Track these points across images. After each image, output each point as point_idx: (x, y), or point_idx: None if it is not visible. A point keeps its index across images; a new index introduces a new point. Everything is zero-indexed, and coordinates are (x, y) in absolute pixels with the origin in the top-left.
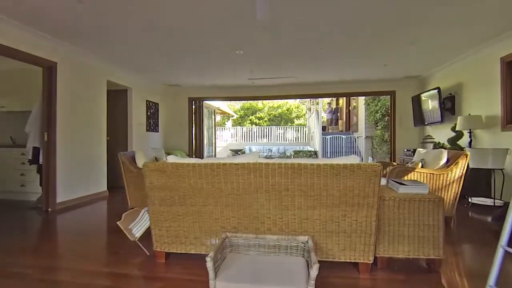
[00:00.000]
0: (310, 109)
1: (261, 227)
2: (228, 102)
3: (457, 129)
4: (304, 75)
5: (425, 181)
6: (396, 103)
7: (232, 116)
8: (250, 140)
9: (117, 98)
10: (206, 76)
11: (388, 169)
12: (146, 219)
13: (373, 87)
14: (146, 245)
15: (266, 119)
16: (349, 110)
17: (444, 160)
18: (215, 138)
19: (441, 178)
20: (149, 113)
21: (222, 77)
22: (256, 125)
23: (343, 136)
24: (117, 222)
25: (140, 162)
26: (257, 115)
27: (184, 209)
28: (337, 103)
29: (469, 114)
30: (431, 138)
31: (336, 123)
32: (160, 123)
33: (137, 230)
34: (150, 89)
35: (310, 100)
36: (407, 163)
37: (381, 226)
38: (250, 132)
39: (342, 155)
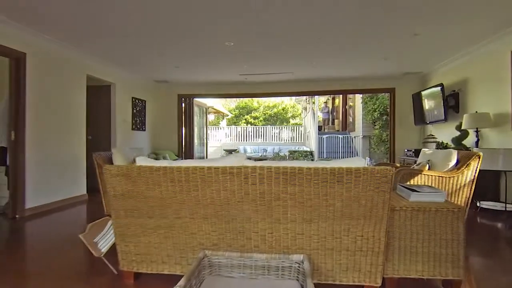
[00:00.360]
0: (306, 109)
1: (247, 243)
2: (223, 102)
3: (462, 127)
4: (300, 71)
5: (433, 184)
6: (396, 101)
7: (227, 115)
8: (245, 140)
9: (99, 94)
10: (196, 72)
11: None
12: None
13: (372, 84)
14: (114, 261)
15: (261, 118)
16: (346, 109)
17: (453, 161)
18: (206, 138)
19: (451, 182)
20: (135, 111)
21: (212, 73)
22: (251, 125)
23: (340, 136)
24: (80, 235)
25: (118, 163)
26: (253, 114)
27: (155, 222)
28: (333, 102)
29: (476, 112)
30: (433, 138)
31: (333, 123)
32: (147, 122)
33: (103, 244)
34: (136, 85)
35: (306, 99)
36: (408, 164)
37: (390, 241)
38: (245, 131)
39: (339, 156)
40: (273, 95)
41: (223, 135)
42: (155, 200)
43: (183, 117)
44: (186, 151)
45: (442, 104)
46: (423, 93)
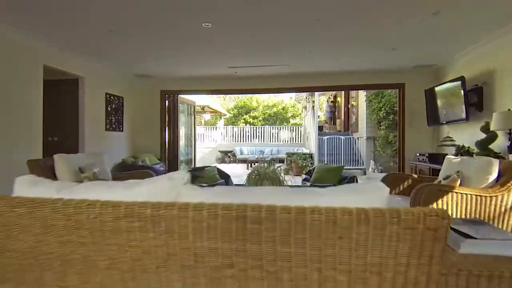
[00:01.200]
0: (306, 108)
1: None
2: (222, 101)
3: (491, 128)
4: (296, 63)
5: (467, 206)
6: (406, 98)
7: (224, 115)
8: (242, 140)
9: (64, 89)
10: (179, 65)
11: (406, 183)
12: None
13: (378, 79)
14: None
15: (261, 118)
16: (348, 108)
17: (494, 174)
18: (194, 139)
19: (493, 203)
20: (109, 109)
21: (198, 66)
22: (250, 125)
23: (342, 137)
24: None
25: (61, 174)
26: (252, 114)
27: None
28: (335, 101)
29: (510, 110)
30: (451, 140)
31: (334, 123)
32: (125, 121)
33: None
34: (111, 80)
35: (306, 98)
36: (421, 171)
37: None
38: (242, 132)
39: (341, 158)
40: (267, 91)
41: (219, 136)
42: (24, 256)
43: (167, 115)
44: (170, 154)
45: (462, 101)
46: (437, 89)
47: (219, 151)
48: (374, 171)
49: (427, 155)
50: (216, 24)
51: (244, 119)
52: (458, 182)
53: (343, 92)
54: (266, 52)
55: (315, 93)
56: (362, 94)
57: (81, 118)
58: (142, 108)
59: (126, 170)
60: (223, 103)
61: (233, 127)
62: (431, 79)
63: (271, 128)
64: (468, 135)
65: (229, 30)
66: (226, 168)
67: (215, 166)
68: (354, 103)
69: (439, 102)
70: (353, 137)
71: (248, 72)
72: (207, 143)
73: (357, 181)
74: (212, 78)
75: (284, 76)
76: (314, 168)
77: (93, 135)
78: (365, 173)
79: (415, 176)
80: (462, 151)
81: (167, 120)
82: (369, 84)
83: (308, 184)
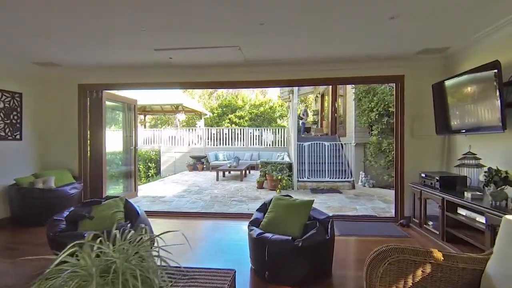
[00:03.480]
0: (289, 107)
1: None
2: (205, 99)
3: None
4: (250, 45)
5: None
6: (405, 96)
7: (205, 114)
8: (221, 143)
9: None
10: (95, 48)
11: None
12: None
13: (368, 70)
14: None
15: (247, 118)
16: (335, 108)
17: None
18: (135, 146)
19: None
20: None
21: (119, 50)
22: (236, 125)
23: (326, 144)
24: None
25: None
26: (237, 113)
27: None
28: (322, 100)
29: None
30: (475, 158)
31: (321, 125)
32: (25, 126)
33: None
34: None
35: (289, 97)
36: (429, 198)
37: None
38: (220, 134)
39: (325, 169)
40: (216, 86)
41: (196, 138)
42: None
43: (89, 118)
44: (93, 168)
45: (495, 100)
46: (451, 82)
47: (191, 157)
48: (364, 185)
49: (437, 178)
50: None
51: (229, 119)
52: None
53: (330, 88)
54: (196, 26)
55: (294, 89)
56: (350, 92)
57: None
58: (52, 109)
59: (20, 197)
60: (207, 102)
61: (210, 129)
62: (441, 70)
63: (254, 130)
64: (502, 151)
65: None
66: (193, 177)
67: (121, 198)
68: (339, 103)
69: (453, 102)
70: (339, 143)
71: (191, 60)
72: (178, 147)
73: (330, 228)
74: (145, 68)
75: (240, 65)
76: (271, 200)
77: None
78: (353, 187)
79: (438, 254)
80: (496, 177)
81: (89, 124)
82: (356, 77)
83: (256, 232)
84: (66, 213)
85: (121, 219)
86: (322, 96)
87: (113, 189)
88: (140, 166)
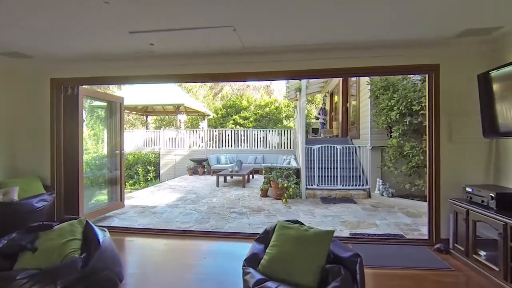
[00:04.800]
0: (296, 107)
1: None
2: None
3: None
4: (249, 26)
5: None
6: (441, 90)
7: (208, 115)
8: (223, 145)
9: None
10: (61, 30)
11: None
12: None
13: (393, 59)
14: None
15: (252, 119)
16: (347, 107)
17: None
18: (121, 146)
19: None
20: None
21: (88, 34)
22: (241, 126)
23: (338, 147)
24: None
25: None
26: (242, 114)
27: None
28: (332, 99)
29: None
30: None
31: (330, 126)
32: None
33: None
34: None
35: (296, 96)
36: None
37: None
38: (223, 135)
39: (336, 175)
40: (210, 79)
41: (198, 140)
42: None
43: (63, 117)
44: (69, 175)
45: None
46: (500, 72)
47: (191, 160)
48: (382, 194)
49: (492, 195)
50: None
51: (233, 119)
52: None
53: (340, 86)
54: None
55: (302, 87)
56: (365, 88)
57: None
58: (20, 107)
59: None
60: (211, 102)
61: (213, 130)
62: (488, 58)
63: (259, 131)
64: None
65: None
66: (192, 182)
67: (80, 221)
68: (354, 102)
69: (503, 97)
70: (352, 146)
71: (177, 47)
72: (179, 150)
73: (359, 274)
74: (125, 60)
75: (238, 54)
76: (275, 226)
77: None
78: (369, 196)
79: None
80: None
81: (63, 125)
82: (377, 67)
83: (254, 279)
84: (4, 242)
85: (75, 251)
86: (331, 95)
87: (95, 200)
88: (139, 170)
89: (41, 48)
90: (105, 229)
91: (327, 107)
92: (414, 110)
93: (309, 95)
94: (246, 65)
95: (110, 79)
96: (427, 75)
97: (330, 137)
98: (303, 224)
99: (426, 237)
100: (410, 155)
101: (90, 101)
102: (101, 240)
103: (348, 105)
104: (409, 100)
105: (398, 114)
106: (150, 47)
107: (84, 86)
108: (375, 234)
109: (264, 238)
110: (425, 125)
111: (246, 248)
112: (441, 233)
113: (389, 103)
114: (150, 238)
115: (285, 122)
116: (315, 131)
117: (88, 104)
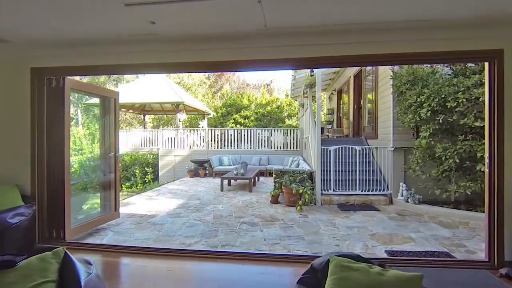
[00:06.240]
0: (303, 106)
1: None
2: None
3: None
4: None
5: None
6: (506, 81)
7: (208, 114)
8: (225, 146)
9: None
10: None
11: None
12: None
13: (442, 43)
14: None
15: (253, 118)
16: (360, 105)
17: None
18: (115, 151)
19: None
20: None
21: (74, 4)
22: (241, 125)
23: (357, 148)
24: None
25: None
26: (242, 113)
27: None
28: (339, 96)
29: None
30: None
31: (339, 125)
32: None
33: None
34: None
35: (304, 93)
36: None
37: None
38: (225, 135)
39: (355, 178)
40: (224, 68)
41: (198, 140)
42: None
43: (46, 114)
44: (52, 183)
45: None
46: None
47: (192, 161)
48: (407, 200)
49: None
50: None
51: (233, 119)
52: None
53: (351, 82)
54: None
55: (318, 80)
56: (383, 83)
57: None
58: None
59: None
60: (210, 100)
61: (214, 130)
62: None
63: (262, 131)
64: None
65: None
66: (194, 186)
67: (56, 252)
68: (370, 97)
69: None
70: (370, 147)
71: (183, 28)
72: (179, 149)
73: None
74: (120, 44)
75: (258, 37)
76: (326, 263)
77: None
78: (391, 202)
79: None
80: None
81: (46, 124)
82: (419, 53)
83: None
84: None
85: None
86: (339, 92)
87: (86, 208)
88: (136, 171)
89: (21, 30)
90: (91, 260)
91: (334, 105)
92: (448, 107)
93: (312, 93)
94: (269, 50)
95: (102, 68)
96: (486, 63)
97: (337, 137)
98: (370, 262)
99: (484, 258)
100: (443, 158)
101: (86, 99)
102: (83, 282)
103: (361, 102)
104: (443, 95)
105: (429, 112)
106: (150, 27)
107: (71, 77)
108: (416, 252)
109: (309, 281)
110: (461, 124)
111: (269, 276)
112: (505, 253)
113: (418, 99)
114: (149, 259)
115: (287, 121)
116: (321, 131)
117: (82, 101)
